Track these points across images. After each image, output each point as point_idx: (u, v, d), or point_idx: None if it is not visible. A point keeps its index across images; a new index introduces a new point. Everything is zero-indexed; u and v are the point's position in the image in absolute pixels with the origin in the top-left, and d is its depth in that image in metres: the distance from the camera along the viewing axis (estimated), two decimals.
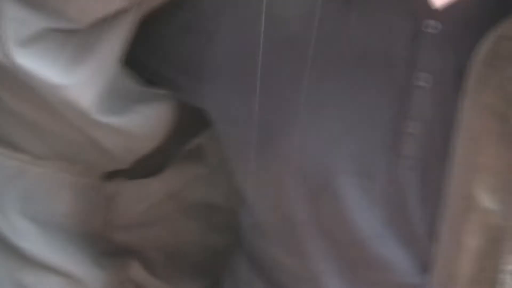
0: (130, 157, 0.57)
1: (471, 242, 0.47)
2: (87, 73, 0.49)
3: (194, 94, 0.55)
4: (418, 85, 0.48)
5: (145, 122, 0.55)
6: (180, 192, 0.63)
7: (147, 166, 0.59)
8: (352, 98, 0.49)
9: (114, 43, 0.50)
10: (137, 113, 0.54)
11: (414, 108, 0.48)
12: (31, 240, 0.56)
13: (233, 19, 0.52)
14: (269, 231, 0.56)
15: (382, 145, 0.49)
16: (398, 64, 0.48)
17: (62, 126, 0.52)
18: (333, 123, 0.49)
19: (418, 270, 0.51)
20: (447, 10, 0.46)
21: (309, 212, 0.51)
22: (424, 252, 0.50)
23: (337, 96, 0.49)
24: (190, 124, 0.60)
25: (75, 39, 0.48)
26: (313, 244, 0.52)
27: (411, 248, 0.50)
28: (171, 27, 0.55)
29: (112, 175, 0.60)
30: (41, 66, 0.47)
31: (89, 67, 0.49)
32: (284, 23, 0.49)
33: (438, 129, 0.48)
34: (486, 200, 0.46)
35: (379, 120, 0.49)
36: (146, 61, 0.56)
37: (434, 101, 0.48)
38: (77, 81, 0.49)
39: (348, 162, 0.49)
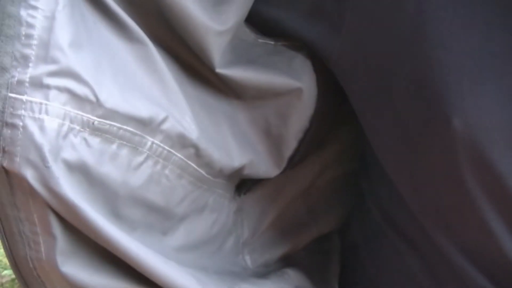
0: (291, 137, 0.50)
1: None
2: (230, 14, 0.42)
3: (325, 47, 0.47)
4: None
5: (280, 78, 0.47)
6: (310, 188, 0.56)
7: None
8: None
9: None
10: (265, 67, 0.46)
11: None
12: None
13: None
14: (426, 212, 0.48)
15: None
16: None
17: None
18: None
19: None
20: None
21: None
22: None
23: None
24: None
25: None
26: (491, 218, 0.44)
27: None
28: None
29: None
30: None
31: (234, 5, 0.42)
32: None
33: None
34: None
35: None
36: (262, 7, 0.49)
37: None
38: (222, 23, 0.41)
39: None
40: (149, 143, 0.39)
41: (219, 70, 0.43)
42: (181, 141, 0.41)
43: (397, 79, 0.44)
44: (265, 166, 0.50)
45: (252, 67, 0.46)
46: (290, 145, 0.50)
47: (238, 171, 0.47)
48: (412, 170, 0.46)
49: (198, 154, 0.43)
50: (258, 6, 0.47)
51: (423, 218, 0.48)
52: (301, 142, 0.50)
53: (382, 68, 0.45)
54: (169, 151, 0.41)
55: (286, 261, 0.55)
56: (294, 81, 0.47)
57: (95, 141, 0.36)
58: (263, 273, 0.52)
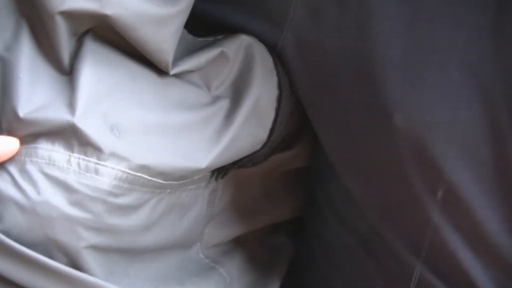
0: None
1: None
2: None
3: (268, 43, 0.48)
4: None
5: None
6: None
7: None
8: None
9: None
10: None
11: None
12: None
13: None
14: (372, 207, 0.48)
15: None
16: None
17: None
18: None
19: None
20: None
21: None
22: None
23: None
24: None
25: None
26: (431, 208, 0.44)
27: None
28: None
29: None
30: None
31: None
32: None
33: None
34: None
35: None
36: (206, 5, 0.49)
37: None
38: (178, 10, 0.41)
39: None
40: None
41: (174, 71, 0.43)
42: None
43: (340, 75, 0.44)
44: (244, 150, 0.48)
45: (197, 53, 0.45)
46: (268, 115, 0.48)
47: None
48: (357, 166, 0.47)
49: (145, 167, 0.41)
50: (203, 4, 0.48)
51: (370, 213, 0.48)
52: (279, 111, 0.48)
53: (325, 64, 0.45)
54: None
55: (233, 248, 0.55)
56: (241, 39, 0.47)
57: None
58: (209, 255, 0.52)
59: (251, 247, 0.56)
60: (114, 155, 0.39)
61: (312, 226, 0.57)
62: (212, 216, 0.51)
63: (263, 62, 0.47)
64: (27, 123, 0.38)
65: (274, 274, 0.57)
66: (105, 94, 0.40)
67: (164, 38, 0.41)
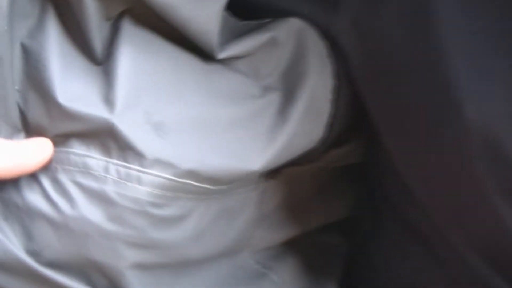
0: None
1: None
2: None
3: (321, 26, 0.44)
4: None
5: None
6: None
7: None
8: None
9: None
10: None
11: None
12: None
13: None
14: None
15: None
16: None
17: None
18: None
19: None
20: None
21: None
22: None
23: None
24: None
25: None
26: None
27: None
28: None
29: None
30: None
31: None
32: None
33: None
34: None
35: None
36: None
37: None
38: None
39: None
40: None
41: (221, 55, 0.39)
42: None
43: (402, 64, 0.40)
44: (300, 148, 0.43)
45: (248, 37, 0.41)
46: (324, 109, 0.44)
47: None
48: (419, 163, 0.43)
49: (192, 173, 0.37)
50: None
51: (435, 215, 0.44)
52: (336, 104, 0.44)
53: (385, 53, 0.41)
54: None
55: (284, 251, 0.51)
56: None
57: None
58: (259, 260, 0.48)
59: (303, 249, 0.52)
60: (158, 161, 0.35)
61: (368, 226, 0.54)
62: (262, 218, 0.47)
63: (316, 49, 0.43)
64: (65, 115, 0.34)
65: (330, 277, 0.53)
66: (146, 87, 0.36)
67: (207, 17, 0.37)
